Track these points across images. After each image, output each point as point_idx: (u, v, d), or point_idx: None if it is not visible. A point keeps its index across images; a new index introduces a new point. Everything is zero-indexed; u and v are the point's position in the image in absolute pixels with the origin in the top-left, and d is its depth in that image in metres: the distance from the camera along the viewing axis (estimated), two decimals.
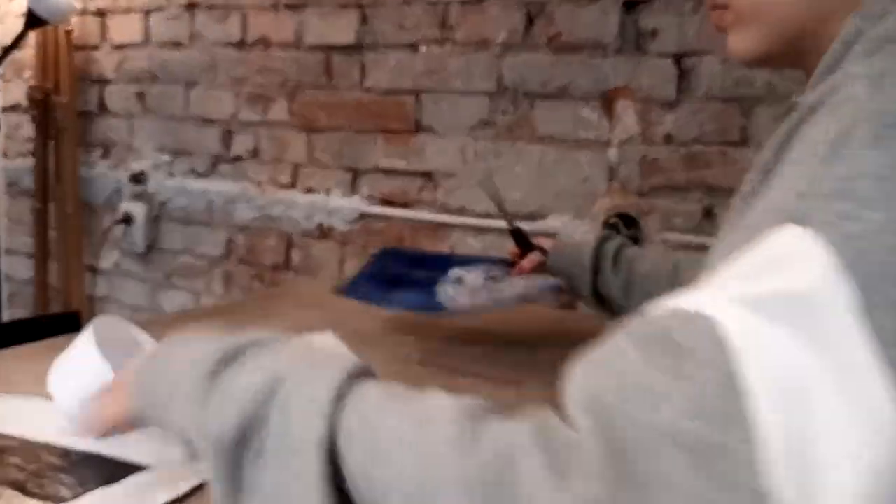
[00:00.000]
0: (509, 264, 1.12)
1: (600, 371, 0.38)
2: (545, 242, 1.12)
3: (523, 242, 1.12)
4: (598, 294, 1.06)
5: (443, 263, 1.12)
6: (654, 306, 0.41)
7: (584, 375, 0.39)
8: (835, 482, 0.32)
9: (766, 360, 0.34)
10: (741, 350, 0.34)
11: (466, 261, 1.13)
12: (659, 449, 0.33)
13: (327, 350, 0.53)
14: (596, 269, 1.05)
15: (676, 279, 0.96)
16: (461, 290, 1.06)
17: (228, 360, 0.48)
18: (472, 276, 1.08)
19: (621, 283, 1.03)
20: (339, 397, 0.44)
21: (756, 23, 0.58)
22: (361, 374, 0.47)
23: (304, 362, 0.47)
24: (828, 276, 0.35)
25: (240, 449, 0.45)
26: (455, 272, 1.09)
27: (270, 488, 0.44)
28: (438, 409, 0.42)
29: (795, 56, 0.57)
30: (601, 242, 1.06)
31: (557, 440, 0.36)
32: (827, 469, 0.32)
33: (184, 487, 0.63)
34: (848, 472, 0.32)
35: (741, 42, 0.59)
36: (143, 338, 0.81)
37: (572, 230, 1.10)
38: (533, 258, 1.10)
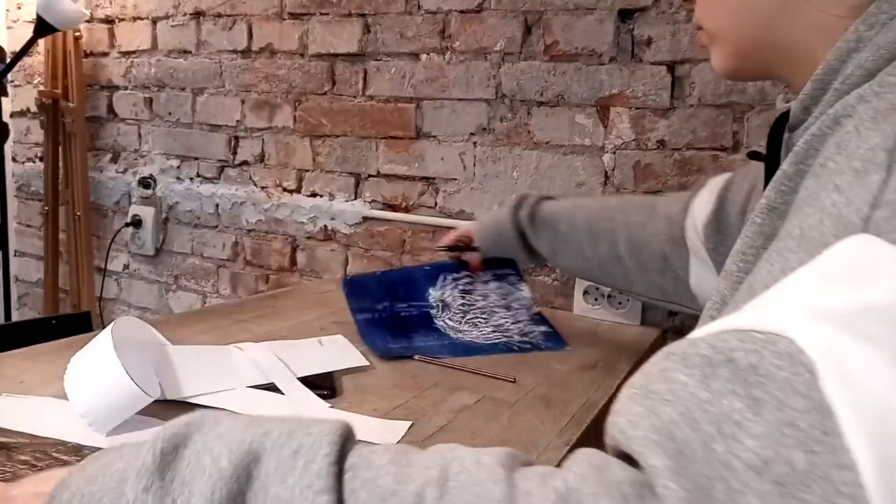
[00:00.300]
0: (462, 267, 1.24)
1: (662, 404, 0.34)
2: (472, 231, 1.23)
3: (454, 248, 1.24)
4: (534, 254, 1.15)
5: (410, 288, 1.21)
6: (702, 329, 0.38)
7: (642, 409, 0.35)
8: None
9: (854, 379, 0.31)
10: (826, 369, 0.31)
11: (423, 273, 1.23)
12: (746, 482, 0.30)
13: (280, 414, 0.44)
14: (521, 235, 1.13)
15: (592, 235, 1.05)
16: (454, 314, 1.18)
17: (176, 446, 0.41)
18: (450, 296, 1.19)
19: (547, 245, 1.11)
20: (338, 469, 0.38)
21: (724, 42, 0.61)
22: (349, 435, 0.41)
23: (274, 431, 0.40)
24: None
25: None
26: (433, 296, 1.19)
27: None
28: (459, 464, 0.38)
29: (771, 70, 0.60)
30: (514, 211, 1.14)
31: (629, 484, 0.33)
32: None
33: None
34: None
35: (716, 59, 0.63)
36: (160, 339, 0.84)
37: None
38: (473, 257, 1.22)
